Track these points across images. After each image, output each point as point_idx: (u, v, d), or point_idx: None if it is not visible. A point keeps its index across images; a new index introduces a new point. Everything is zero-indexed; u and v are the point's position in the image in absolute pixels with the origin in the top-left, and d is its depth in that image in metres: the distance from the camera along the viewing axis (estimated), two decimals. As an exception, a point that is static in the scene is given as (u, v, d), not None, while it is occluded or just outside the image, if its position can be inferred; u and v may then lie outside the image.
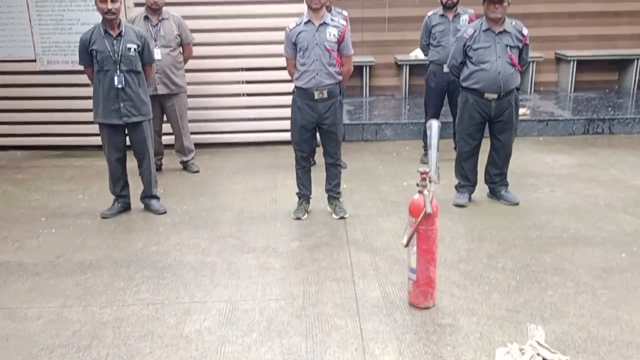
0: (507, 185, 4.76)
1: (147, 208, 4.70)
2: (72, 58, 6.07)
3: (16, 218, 4.62)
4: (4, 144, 6.63)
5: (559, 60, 8.66)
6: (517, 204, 4.63)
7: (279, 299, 3.29)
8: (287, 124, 4.61)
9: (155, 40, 5.28)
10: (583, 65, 8.41)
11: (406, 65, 8.33)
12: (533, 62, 8.22)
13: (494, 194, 4.77)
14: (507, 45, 4.38)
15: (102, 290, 3.43)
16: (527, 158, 5.92)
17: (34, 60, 6.35)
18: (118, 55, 4.28)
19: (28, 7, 6.19)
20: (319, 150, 4.69)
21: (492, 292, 3.32)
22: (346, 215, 4.45)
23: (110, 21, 4.26)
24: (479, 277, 3.50)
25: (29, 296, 3.39)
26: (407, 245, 3.07)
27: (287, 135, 4.89)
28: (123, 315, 3.15)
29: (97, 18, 4.44)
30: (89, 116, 4.55)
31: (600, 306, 3.15)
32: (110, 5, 4.17)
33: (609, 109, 7.28)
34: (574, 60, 8.30)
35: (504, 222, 4.33)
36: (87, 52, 4.32)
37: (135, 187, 4.75)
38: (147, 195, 4.70)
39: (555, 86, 8.81)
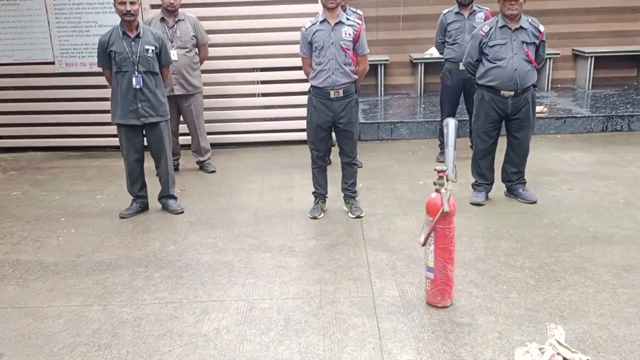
0: (524, 183, 4.72)
1: (165, 208, 4.74)
2: (90, 60, 6.15)
3: (36, 218, 4.69)
4: (24, 145, 6.73)
5: (577, 56, 8.58)
6: (534, 202, 4.60)
7: (296, 297, 3.30)
8: (303, 124, 4.63)
9: (172, 42, 5.32)
10: (601, 61, 8.31)
11: (421, 63, 8.31)
12: (550, 58, 8.15)
13: (512, 192, 4.74)
14: (523, 42, 4.35)
15: (121, 290, 3.47)
16: (544, 156, 5.87)
17: (53, 63, 6.44)
18: (136, 56, 4.32)
19: (46, 11, 6.28)
20: (335, 150, 4.69)
21: (510, 291, 3.30)
22: (362, 215, 4.45)
23: (128, 23, 4.30)
24: (497, 275, 3.48)
25: (49, 295, 3.43)
26: (424, 244, 3.06)
27: (303, 135, 4.90)
28: (142, 314, 3.18)
29: (114, 20, 4.49)
30: (108, 117, 4.60)
31: (621, 305, 3.12)
32: (129, 7, 4.21)
33: (628, 105, 7.20)
34: (591, 57, 8.22)
35: (522, 220, 4.31)
36: (105, 54, 4.37)
37: (153, 187, 4.79)
38: (165, 195, 4.74)
39: (573, 83, 8.73)
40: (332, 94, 4.24)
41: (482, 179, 4.71)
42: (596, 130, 6.77)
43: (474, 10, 5.54)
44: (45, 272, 3.74)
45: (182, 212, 4.67)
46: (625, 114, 6.79)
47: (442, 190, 3.00)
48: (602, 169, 5.41)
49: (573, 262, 3.62)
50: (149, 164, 4.71)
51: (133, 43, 4.34)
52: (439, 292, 3.12)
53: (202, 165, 5.87)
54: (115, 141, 4.73)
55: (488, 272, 3.53)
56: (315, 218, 4.46)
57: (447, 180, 3.04)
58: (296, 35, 4.47)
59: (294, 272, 3.61)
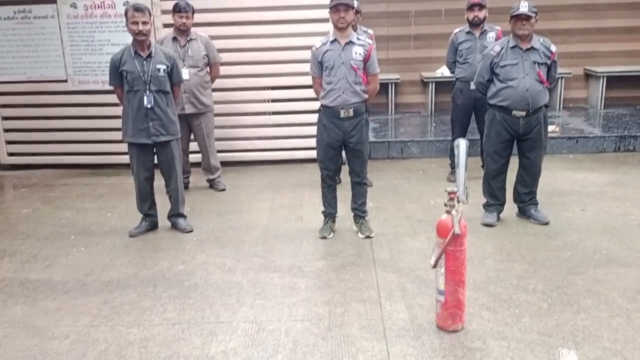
0: (536, 204, 4.67)
1: (174, 226, 4.73)
2: (103, 78, 6.20)
3: (46, 236, 4.69)
4: (36, 163, 6.77)
5: (589, 76, 8.54)
6: (547, 223, 4.54)
7: (304, 319, 3.27)
8: (313, 142, 4.61)
9: (184, 61, 5.35)
10: (613, 81, 8.26)
11: (432, 82, 8.30)
12: (562, 78, 8.11)
13: (523, 213, 4.69)
14: (535, 62, 4.33)
15: (129, 310, 3.44)
16: (556, 176, 5.81)
17: (66, 81, 6.50)
18: (148, 75, 4.35)
19: (60, 29, 6.36)
20: (345, 169, 4.67)
21: (522, 314, 3.24)
22: (372, 235, 4.42)
23: (140, 42, 4.34)
24: (509, 299, 3.42)
25: (57, 315, 3.42)
26: (435, 266, 3.02)
27: (313, 153, 4.89)
28: (149, 335, 3.15)
29: (127, 39, 4.53)
30: (119, 135, 4.62)
31: (635, 330, 3.05)
32: (141, 27, 4.25)
33: (641, 125, 7.14)
34: (603, 76, 8.17)
35: (534, 242, 4.25)
36: (117, 73, 4.40)
37: (163, 205, 4.78)
38: (174, 214, 4.74)
39: (585, 102, 8.68)
40: (342, 114, 4.23)
41: (494, 199, 4.66)
42: (609, 151, 6.70)
43: (485, 30, 5.54)
44: (54, 291, 3.73)
45: (191, 231, 4.66)
46: (638, 134, 6.72)
47: (453, 212, 2.96)
48: (615, 190, 5.34)
49: (586, 285, 3.55)
50: (159, 182, 4.71)
51: (145, 62, 4.37)
52: (449, 316, 3.07)
53: (212, 184, 5.87)
54: (127, 159, 4.74)
55: (500, 295, 3.47)
56: (324, 238, 4.43)
57: (458, 201, 3.00)
58: (307, 54, 4.48)
59: (302, 293, 3.57)
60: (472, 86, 5.06)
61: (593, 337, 3.01)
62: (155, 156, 4.61)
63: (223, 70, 5.94)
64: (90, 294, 3.66)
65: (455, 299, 3.03)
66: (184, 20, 5.32)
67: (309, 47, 4.42)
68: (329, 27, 4.62)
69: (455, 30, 5.72)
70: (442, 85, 8.18)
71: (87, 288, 3.75)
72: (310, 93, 4.99)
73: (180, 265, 4.04)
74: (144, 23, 4.26)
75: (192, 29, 5.48)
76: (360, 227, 4.49)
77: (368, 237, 4.40)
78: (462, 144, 3.28)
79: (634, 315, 3.20)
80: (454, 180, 5.52)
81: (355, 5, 4.43)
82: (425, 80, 8.39)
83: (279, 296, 3.55)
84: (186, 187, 5.69)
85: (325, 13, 4.62)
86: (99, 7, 6.25)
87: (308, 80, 4.57)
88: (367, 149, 4.48)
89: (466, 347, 2.94)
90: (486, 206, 4.71)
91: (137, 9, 4.26)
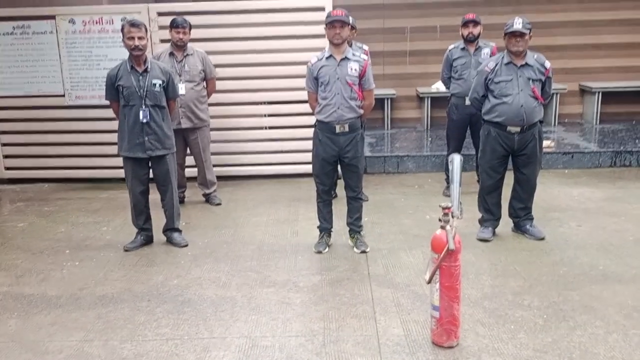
0: (532, 219, 4.67)
1: (169, 241, 4.72)
2: (100, 93, 6.18)
3: (41, 250, 4.68)
4: (32, 177, 6.76)
5: (584, 91, 8.59)
6: (542, 238, 4.54)
7: (299, 335, 3.25)
8: (309, 157, 4.62)
9: (180, 76, 5.38)
10: (608, 96, 8.32)
11: (428, 97, 8.35)
12: (557, 93, 8.16)
13: (519, 228, 4.69)
14: (529, 79, 4.36)
15: (122, 325, 3.42)
16: (552, 191, 5.82)
17: (63, 95, 6.52)
18: (144, 90, 4.37)
19: (58, 44, 6.39)
20: (340, 183, 4.68)
21: (518, 331, 3.23)
22: (367, 250, 4.41)
23: (136, 57, 4.36)
24: (505, 315, 3.41)
25: (51, 329, 3.40)
26: (429, 282, 3.02)
27: (308, 168, 4.90)
28: (143, 351, 3.13)
29: (124, 54, 4.55)
30: (115, 149, 4.63)
31: (632, 347, 3.04)
32: (137, 42, 4.28)
33: (637, 141, 7.16)
34: (599, 92, 8.22)
35: (530, 257, 4.24)
36: (113, 88, 4.42)
37: (158, 219, 4.77)
38: (170, 228, 4.73)
39: (580, 118, 8.72)
40: (338, 129, 4.24)
41: (489, 214, 4.66)
42: (604, 166, 6.73)
43: (479, 47, 5.58)
44: (48, 305, 3.71)
45: (186, 246, 4.65)
46: (634, 149, 6.75)
47: (448, 227, 2.96)
48: (611, 205, 5.35)
49: (582, 302, 3.54)
50: (154, 196, 4.71)
51: (141, 77, 4.39)
52: (444, 332, 3.05)
53: (207, 198, 5.87)
54: (122, 173, 4.74)
55: (495, 311, 3.46)
56: (320, 252, 4.42)
57: (453, 216, 3.01)
58: (303, 70, 4.50)
59: (297, 309, 3.56)
60: (467, 102, 5.09)
61: (589, 354, 2.99)
62: (151, 170, 4.61)
63: (219, 85, 5.97)
64: (84, 309, 3.64)
65: (450, 315, 3.02)
66: (181, 35, 5.36)
67: (304, 63, 4.45)
68: (324, 43, 4.64)
69: (450, 47, 5.76)
70: (437, 101, 8.23)
71: (81, 302, 3.73)
72: (306, 108, 5.01)
73: (175, 280, 4.03)
74: (140, 38, 4.29)
75: (189, 44, 5.52)
76: (355, 241, 4.49)
77: (363, 252, 4.40)
78: (456, 160, 3.29)
79: (630, 331, 3.19)
80: (449, 195, 5.53)
81: (351, 22, 4.47)
82: (421, 95, 8.44)
83: (273, 311, 3.53)
84: (182, 201, 5.69)
85: (321, 29, 4.67)
86: (96, 22, 6.29)
87: (304, 95, 4.59)
88: (363, 164, 4.49)
89: (461, 364, 2.93)
90: (482, 221, 4.71)
91: (133, 24, 4.29)
